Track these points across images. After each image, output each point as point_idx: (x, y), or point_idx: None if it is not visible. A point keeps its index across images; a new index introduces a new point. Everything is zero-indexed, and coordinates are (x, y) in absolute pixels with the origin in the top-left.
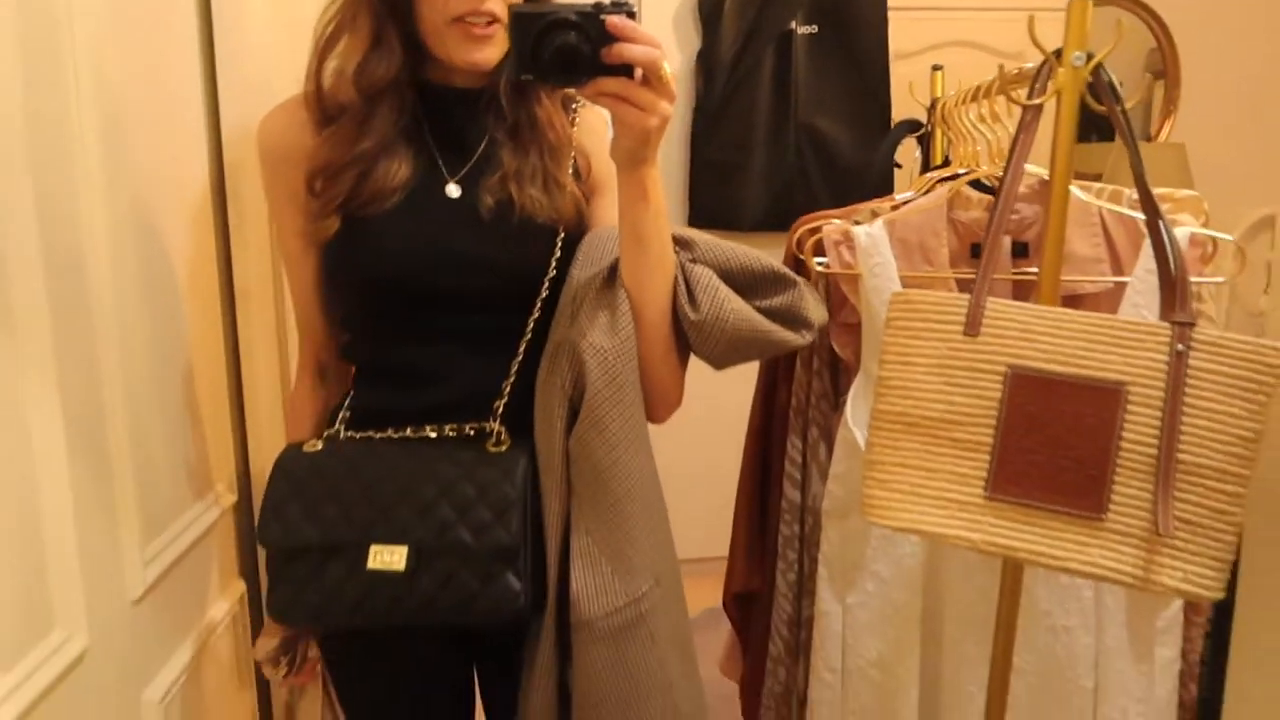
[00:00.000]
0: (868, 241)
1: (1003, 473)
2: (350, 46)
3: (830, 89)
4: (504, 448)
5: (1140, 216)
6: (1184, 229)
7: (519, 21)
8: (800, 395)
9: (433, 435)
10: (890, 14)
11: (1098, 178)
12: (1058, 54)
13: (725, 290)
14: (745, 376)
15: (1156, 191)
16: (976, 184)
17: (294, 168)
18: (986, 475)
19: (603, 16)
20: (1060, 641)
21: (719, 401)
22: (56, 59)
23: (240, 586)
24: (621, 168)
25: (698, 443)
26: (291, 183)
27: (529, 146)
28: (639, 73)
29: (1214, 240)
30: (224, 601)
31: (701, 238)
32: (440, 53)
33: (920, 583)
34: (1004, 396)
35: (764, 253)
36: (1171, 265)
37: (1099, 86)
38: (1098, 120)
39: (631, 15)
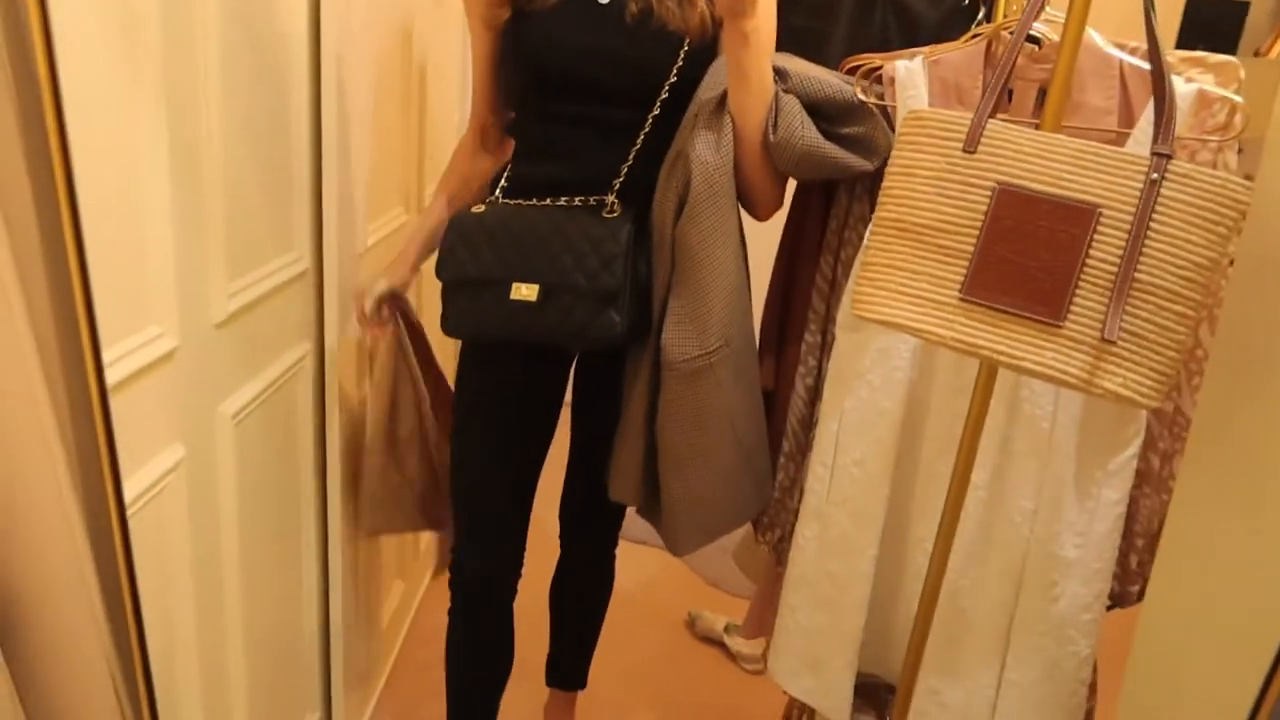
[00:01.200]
0: (905, 75)
1: (977, 278)
2: None
3: None
4: (616, 214)
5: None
6: (1191, 85)
7: None
8: (839, 215)
9: (564, 203)
10: None
11: None
12: None
13: (802, 117)
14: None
15: (1192, 54)
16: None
17: None
18: (963, 279)
19: None
20: (1014, 464)
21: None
22: None
23: (308, 344)
24: (726, 18)
25: None
26: None
27: None
28: None
29: (1227, 100)
30: (296, 350)
31: (797, 70)
32: None
33: (904, 396)
34: (989, 209)
35: (848, 86)
36: (1162, 96)
37: None
38: (1210, 29)
39: None
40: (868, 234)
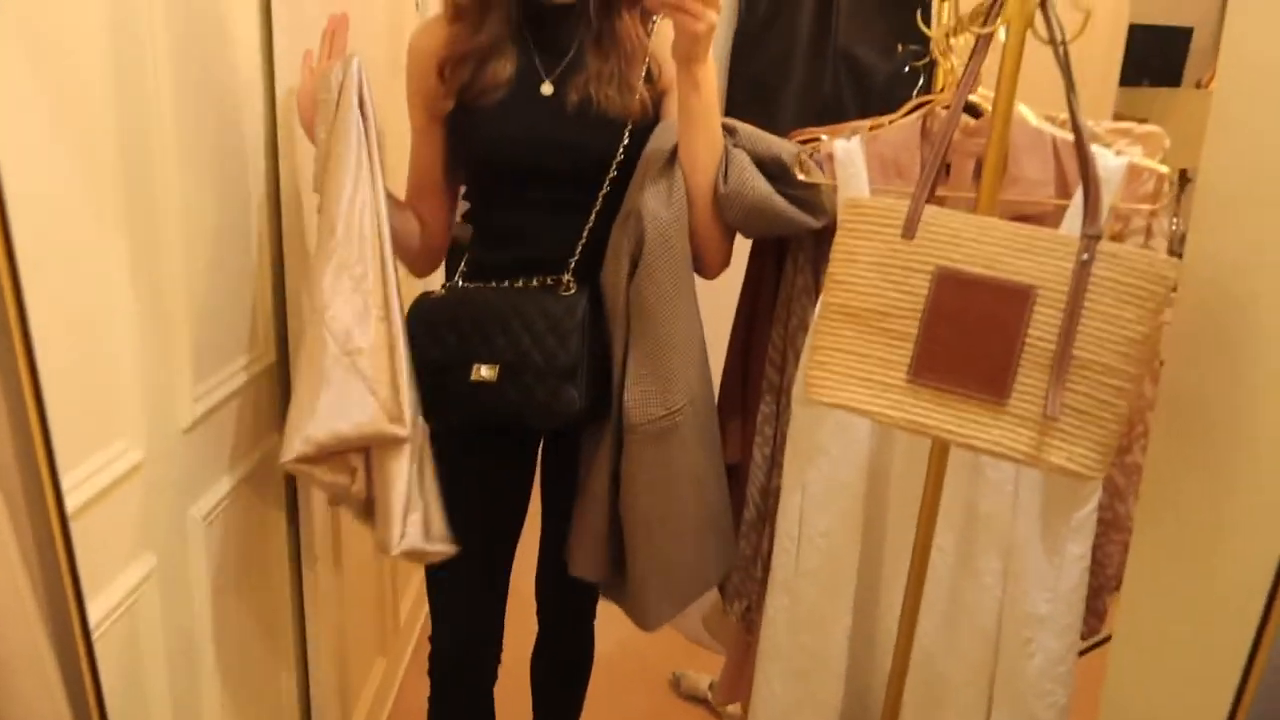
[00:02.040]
0: (843, 155)
1: (923, 360)
2: None
3: (871, 19)
4: (572, 291)
5: (1098, 149)
6: (1122, 159)
7: None
8: (786, 288)
9: (522, 285)
10: None
11: (1143, 122)
12: None
13: (752, 171)
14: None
15: (1120, 125)
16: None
17: (429, 62)
18: (910, 362)
19: None
20: (980, 527)
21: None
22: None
23: (276, 436)
24: (679, 64)
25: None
26: (427, 76)
27: (609, 52)
28: None
29: (1154, 171)
30: (263, 445)
31: (744, 128)
32: None
33: (865, 467)
34: (930, 293)
35: (794, 146)
36: (1088, 179)
37: (1045, 18)
38: (1150, 65)
39: None
40: (816, 315)
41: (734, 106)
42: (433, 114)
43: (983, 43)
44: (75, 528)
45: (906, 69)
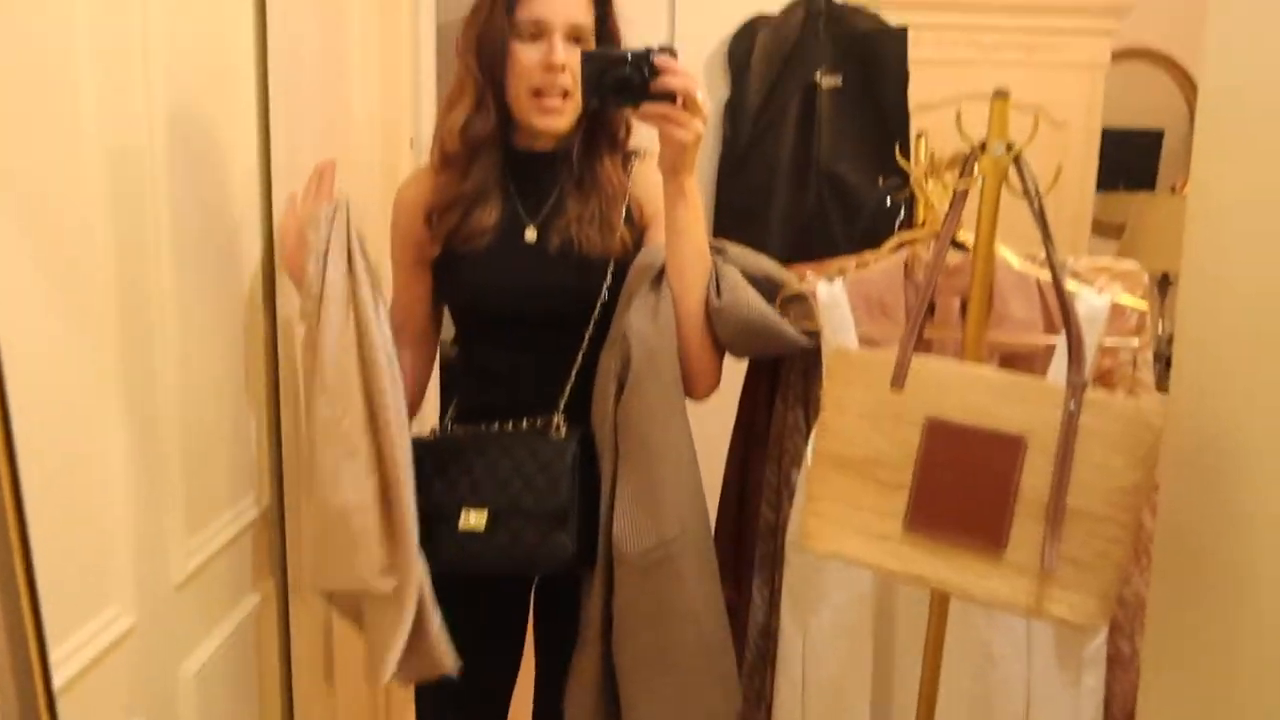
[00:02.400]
0: (828, 298)
1: (918, 510)
2: (459, 110)
3: (852, 139)
4: (563, 434)
5: (1076, 288)
6: (1104, 298)
7: (589, 62)
8: (777, 426)
9: (512, 428)
10: (911, 67)
11: (1122, 227)
12: (983, 145)
13: (745, 285)
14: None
15: (1100, 262)
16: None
17: (417, 211)
18: (905, 511)
19: (652, 57)
20: (996, 668)
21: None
22: (133, 110)
23: (271, 582)
24: (666, 175)
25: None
26: (415, 224)
27: (590, 195)
28: (679, 99)
29: (1136, 307)
30: (256, 594)
31: (733, 247)
32: (522, 118)
33: (872, 609)
34: (922, 443)
35: (783, 268)
36: (1070, 329)
37: (1019, 173)
38: (1127, 169)
39: (673, 55)
40: (808, 461)
41: (720, 231)
42: (420, 260)
43: (960, 195)
44: (62, 702)
45: (889, 201)
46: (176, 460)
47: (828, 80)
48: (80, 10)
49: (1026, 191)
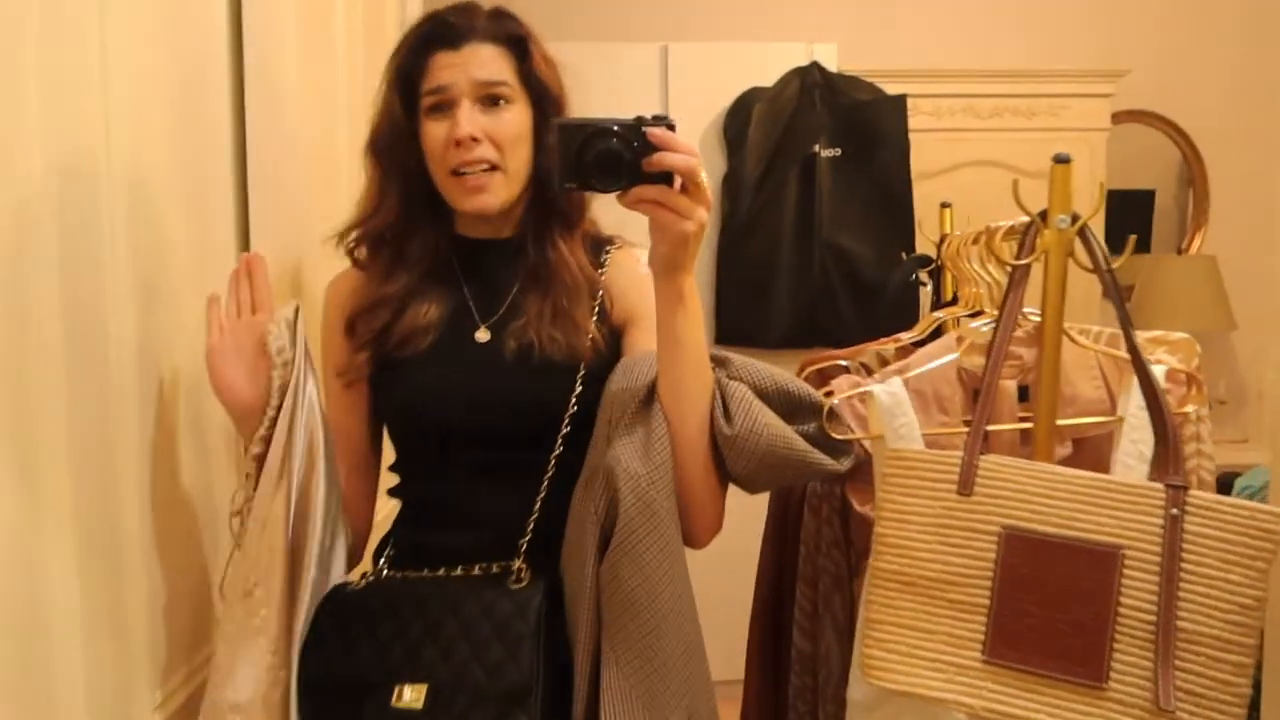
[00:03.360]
0: (891, 402)
1: (999, 636)
2: (362, 207)
3: (854, 209)
4: (524, 583)
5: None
6: (1161, 368)
7: (563, 132)
8: (809, 543)
9: (461, 573)
10: (912, 135)
11: (1131, 289)
12: (1043, 215)
13: (760, 406)
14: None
15: (1151, 335)
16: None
17: (339, 313)
18: (984, 638)
19: (644, 128)
20: None
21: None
22: (93, 171)
23: None
24: (659, 275)
25: (719, 557)
26: (337, 326)
27: (549, 288)
28: (678, 181)
29: (1189, 375)
30: None
31: (737, 357)
32: (450, 203)
33: None
34: (999, 557)
35: (797, 378)
36: (1165, 426)
37: (1085, 246)
38: (1133, 231)
39: (671, 128)
40: (866, 584)
41: (725, 306)
42: (349, 377)
43: (1020, 274)
44: None
45: (915, 277)
46: (142, 616)
47: (827, 151)
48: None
49: (1096, 265)
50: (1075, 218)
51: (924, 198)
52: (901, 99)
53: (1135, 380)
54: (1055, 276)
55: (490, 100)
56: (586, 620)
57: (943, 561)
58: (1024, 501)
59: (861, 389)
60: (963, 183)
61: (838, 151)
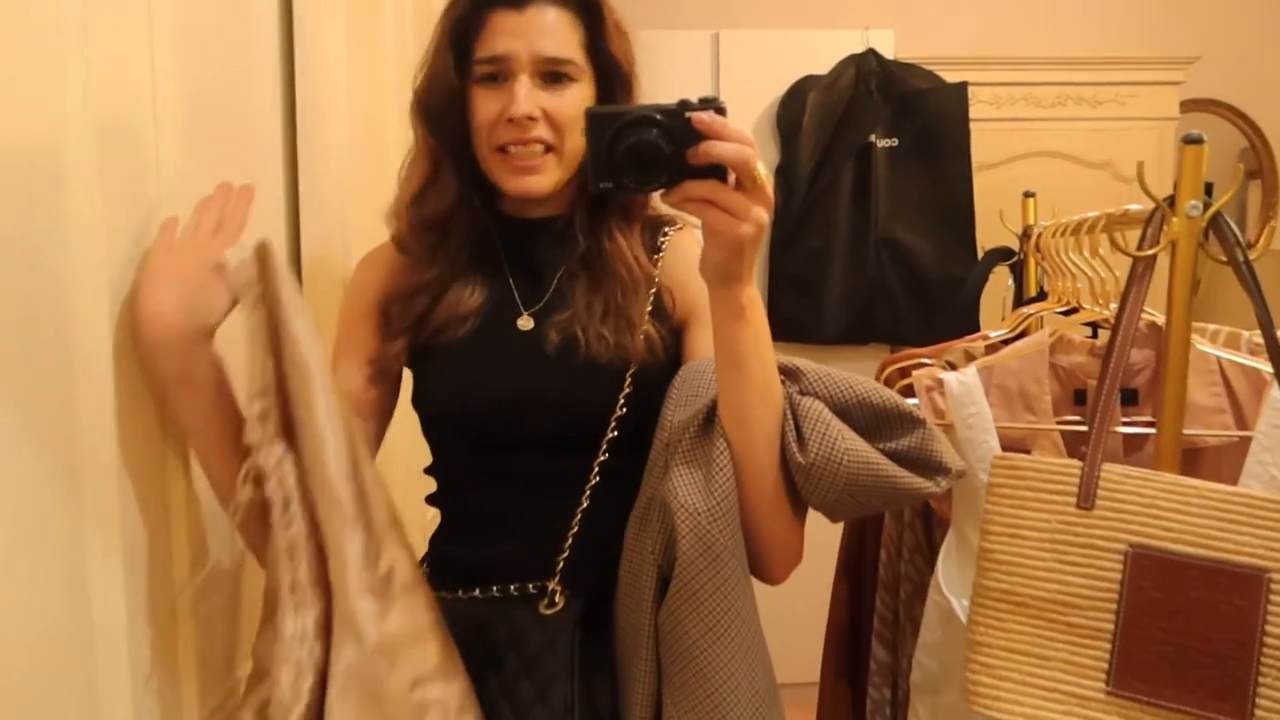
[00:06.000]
0: (960, 389)
1: (1126, 665)
2: (412, 181)
3: (911, 201)
4: (559, 607)
5: (1263, 367)
6: None
7: (594, 123)
8: (890, 549)
9: (496, 593)
10: (972, 125)
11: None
12: (1170, 201)
13: (839, 426)
14: None
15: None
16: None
17: (373, 295)
18: (1108, 667)
19: (688, 114)
20: None
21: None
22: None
23: None
24: (713, 285)
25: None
26: (369, 311)
27: (601, 281)
28: (731, 176)
29: None
30: None
31: (810, 367)
32: (494, 181)
33: None
34: (1125, 578)
35: (883, 386)
36: None
37: (1219, 236)
38: None
39: (721, 111)
40: (971, 603)
41: (778, 301)
42: (376, 364)
43: (1145, 266)
44: None
45: (991, 273)
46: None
47: (884, 141)
48: None
49: (1231, 256)
50: (1206, 204)
51: (983, 189)
52: (962, 86)
53: (1271, 394)
54: (1183, 269)
55: (552, 76)
56: (645, 670)
57: (1059, 581)
58: (1153, 517)
59: (936, 376)
60: (1020, 175)
61: (895, 142)
